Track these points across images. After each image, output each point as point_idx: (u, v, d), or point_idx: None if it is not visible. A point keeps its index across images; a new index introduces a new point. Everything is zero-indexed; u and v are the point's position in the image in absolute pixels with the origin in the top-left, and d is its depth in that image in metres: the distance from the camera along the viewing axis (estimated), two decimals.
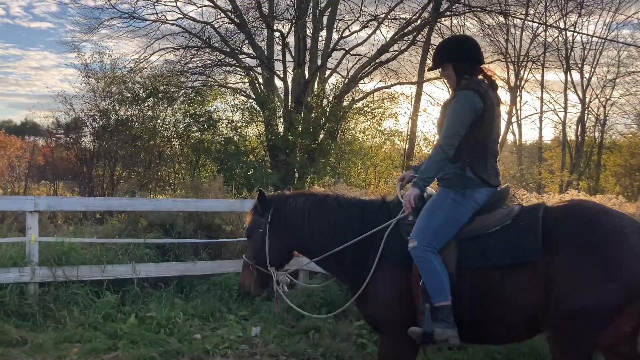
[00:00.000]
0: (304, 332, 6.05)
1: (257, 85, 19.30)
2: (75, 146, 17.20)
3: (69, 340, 5.57)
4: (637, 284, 3.14)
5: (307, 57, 19.15)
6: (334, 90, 19.13)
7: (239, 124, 19.18)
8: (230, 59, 19.77)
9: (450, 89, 4.41)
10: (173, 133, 18.84)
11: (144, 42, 19.92)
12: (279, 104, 18.59)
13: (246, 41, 19.55)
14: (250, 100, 19.48)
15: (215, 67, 19.85)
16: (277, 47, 19.66)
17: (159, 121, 18.53)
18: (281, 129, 18.66)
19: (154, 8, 19.03)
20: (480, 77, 3.76)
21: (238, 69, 19.87)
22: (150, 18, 19.61)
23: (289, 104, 18.88)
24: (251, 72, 19.43)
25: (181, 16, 19.74)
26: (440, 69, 3.93)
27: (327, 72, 20.27)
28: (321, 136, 18.70)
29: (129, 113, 18.13)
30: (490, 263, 3.41)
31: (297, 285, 5.83)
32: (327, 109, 18.65)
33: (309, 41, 19.15)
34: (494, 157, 3.70)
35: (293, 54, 19.33)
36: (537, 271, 3.29)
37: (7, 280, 6.16)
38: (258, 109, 18.90)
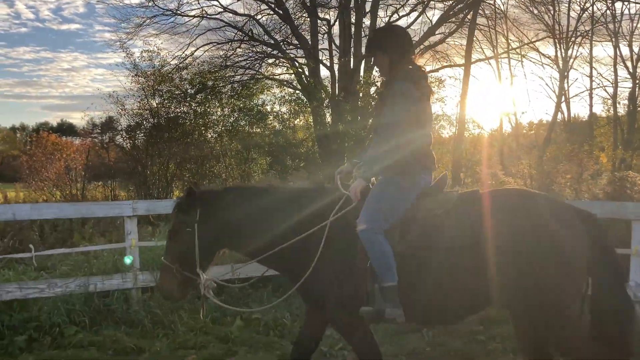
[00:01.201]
0: (413, 330, 5.88)
1: (303, 76, 19.13)
2: (129, 145, 17.29)
3: (183, 347, 5.50)
4: (578, 261, 3.44)
5: (352, 45, 18.93)
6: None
7: (286, 116, 19.04)
8: (274, 51, 19.62)
9: (380, 77, 4.59)
10: (222, 128, 18.78)
11: (186, 39, 19.73)
12: (325, 93, 18.39)
13: (290, 32, 19.39)
14: (297, 92, 19.33)
15: (260, 60, 19.73)
16: (321, 37, 19.47)
17: (209, 117, 18.46)
18: (329, 119, 18.48)
19: (198, 3, 18.91)
20: (410, 67, 3.85)
21: (283, 60, 19.73)
22: (191, 14, 19.58)
23: (336, 93, 18.69)
24: (296, 63, 19.26)
25: (222, 10, 19.64)
26: (373, 57, 4.01)
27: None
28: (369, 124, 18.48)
29: (178, 110, 18.13)
30: (434, 244, 3.57)
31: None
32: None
33: (353, 28, 18.91)
34: (429, 143, 3.89)
35: (337, 42, 19.13)
36: (476, 253, 3.46)
37: (111, 287, 6.12)
38: (305, 100, 18.72)
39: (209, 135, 18.45)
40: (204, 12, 19.53)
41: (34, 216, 6.50)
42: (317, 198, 3.89)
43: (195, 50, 19.63)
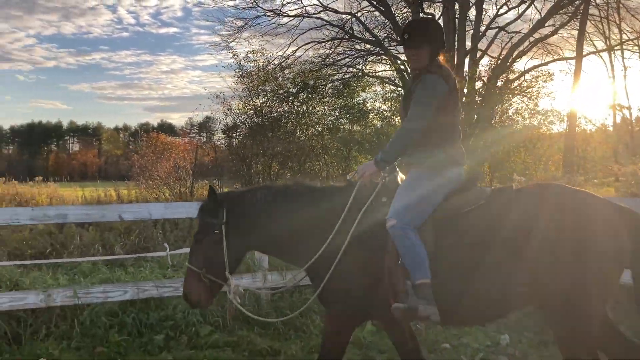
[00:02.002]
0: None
1: (405, 73, 18.81)
2: (234, 143, 17.58)
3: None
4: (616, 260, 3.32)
5: (456, 39, 18.41)
6: (487, 71, 18.21)
7: (387, 113, 18.77)
8: (376, 48, 19.40)
9: (411, 70, 4.46)
10: (323, 127, 18.75)
11: (287, 40, 19.91)
12: None
13: (392, 28, 19.11)
14: (399, 89, 19.02)
15: (361, 58, 19.58)
16: None
17: (310, 116, 18.49)
18: None
19: (301, 1, 18.98)
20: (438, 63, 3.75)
21: (384, 57, 19.48)
22: (292, 14, 19.69)
23: None
24: (398, 60, 18.95)
25: (323, 9, 19.61)
26: (412, 49, 3.78)
27: (478, 54, 19.38)
28: (474, 119, 17.90)
29: (280, 109, 18.26)
30: (467, 241, 3.46)
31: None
32: (482, 91, 17.80)
33: (456, 22, 18.40)
34: (460, 138, 3.78)
35: None
36: (514, 249, 3.34)
37: (243, 286, 6.05)
38: None
39: (311, 133, 18.49)
40: (304, 12, 19.60)
41: (167, 215, 6.58)
42: (347, 195, 3.72)
43: (296, 50, 19.77)
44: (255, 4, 19.23)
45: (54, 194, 16.28)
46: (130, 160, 19.92)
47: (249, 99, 17.46)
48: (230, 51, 18.51)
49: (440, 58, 3.77)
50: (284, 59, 19.33)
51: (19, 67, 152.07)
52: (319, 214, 3.74)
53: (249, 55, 17.73)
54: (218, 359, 5.19)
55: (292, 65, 19.20)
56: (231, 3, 39.50)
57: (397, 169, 3.80)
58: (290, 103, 18.13)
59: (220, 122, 18.66)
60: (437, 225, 3.55)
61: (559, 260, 3.28)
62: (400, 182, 3.72)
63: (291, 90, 18.22)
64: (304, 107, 18.36)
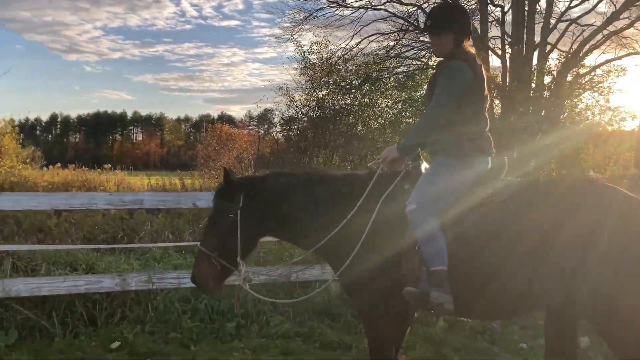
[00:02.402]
0: None
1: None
2: (294, 136, 17.65)
3: None
4: None
5: (525, 32, 17.88)
6: (557, 65, 17.61)
7: None
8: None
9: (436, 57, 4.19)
10: (385, 120, 18.59)
11: (350, 32, 19.74)
12: (494, 84, 17.52)
13: None
14: None
15: (425, 50, 19.27)
16: (489, 25, 18.59)
17: (373, 109, 18.35)
18: (498, 110, 17.64)
19: None
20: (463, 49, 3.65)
21: None
22: (355, 5, 19.52)
23: (507, 83, 17.80)
24: None
25: (387, 0, 19.36)
26: (434, 35, 3.71)
27: (547, 48, 18.77)
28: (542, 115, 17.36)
29: (342, 102, 18.19)
30: (490, 232, 3.35)
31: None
32: (552, 85, 17.25)
33: (525, 15, 17.85)
34: (487, 125, 3.67)
35: (507, 30, 18.19)
36: (541, 243, 3.23)
37: (311, 276, 6.02)
38: None
39: (373, 127, 18.35)
40: (368, 3, 19.40)
41: None
42: (368, 182, 3.63)
43: (359, 42, 19.58)
44: None
45: (121, 182, 16.69)
46: (194, 151, 20.27)
47: (312, 91, 17.44)
48: (294, 43, 18.45)
49: (467, 44, 3.67)
50: (347, 51, 19.19)
51: (87, 59, 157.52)
52: (338, 201, 3.67)
53: (313, 46, 17.66)
54: (289, 349, 5.16)
55: (355, 57, 19.03)
56: None
57: (422, 158, 3.71)
58: (352, 95, 18.03)
59: (282, 113, 18.70)
60: (460, 214, 3.44)
61: (591, 258, 3.11)
62: (423, 171, 3.64)
63: (354, 82, 18.11)
64: (367, 100, 18.22)
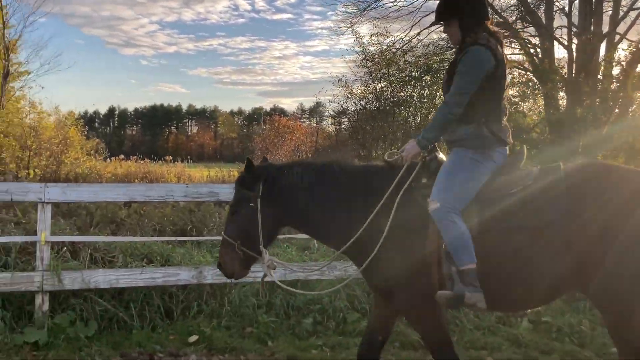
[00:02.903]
0: None
1: (534, 57, 17.82)
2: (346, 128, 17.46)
3: (473, 347, 5.10)
4: None
5: (592, 22, 17.19)
6: (626, 56, 16.87)
7: (515, 99, 17.90)
8: (504, 31, 18.50)
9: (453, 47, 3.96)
10: None
11: (409, 22, 19.36)
12: (559, 75, 16.91)
13: (523, 11, 18.14)
14: (528, 73, 18.06)
15: None
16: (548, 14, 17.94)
17: (433, 101, 18.02)
18: (564, 102, 17.04)
19: None
20: (484, 33, 3.50)
21: (513, 40, 18.54)
22: None
23: (573, 74, 17.15)
24: (529, 44, 17.98)
25: None
26: (443, 25, 3.65)
27: (616, 38, 18.00)
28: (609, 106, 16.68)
29: (400, 94, 17.91)
30: (514, 224, 3.28)
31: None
32: (620, 77, 16.54)
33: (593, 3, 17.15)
34: (505, 115, 3.58)
35: (573, 19, 17.52)
36: (565, 231, 3.16)
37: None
38: (537, 82, 17.42)
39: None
40: None
41: None
42: (387, 175, 3.56)
43: (419, 32, 19.21)
44: None
45: (181, 173, 16.89)
46: (250, 143, 20.34)
47: (370, 82, 17.22)
48: (354, 34, 18.22)
49: (491, 28, 3.56)
50: (406, 42, 18.86)
51: (143, 53, 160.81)
52: (357, 193, 3.59)
53: (373, 38, 17.42)
54: None
55: (414, 48, 18.69)
56: None
57: (438, 148, 3.63)
58: (411, 87, 17.73)
59: (341, 105, 18.52)
60: (482, 207, 3.35)
61: (619, 246, 3.04)
62: (441, 162, 3.55)
63: (413, 74, 17.79)
64: (426, 91, 17.89)
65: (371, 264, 3.45)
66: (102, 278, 5.30)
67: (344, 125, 18.90)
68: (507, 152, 3.57)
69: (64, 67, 63.82)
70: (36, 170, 13.54)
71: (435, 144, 3.61)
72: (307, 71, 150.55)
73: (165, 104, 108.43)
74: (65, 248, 5.84)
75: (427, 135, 3.48)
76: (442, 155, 3.61)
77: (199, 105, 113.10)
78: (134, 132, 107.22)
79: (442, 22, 3.63)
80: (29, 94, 22.41)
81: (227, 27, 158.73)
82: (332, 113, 19.30)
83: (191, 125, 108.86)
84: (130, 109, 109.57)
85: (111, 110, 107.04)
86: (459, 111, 3.40)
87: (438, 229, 3.30)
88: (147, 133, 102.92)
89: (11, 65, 21.52)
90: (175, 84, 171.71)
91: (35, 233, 5.39)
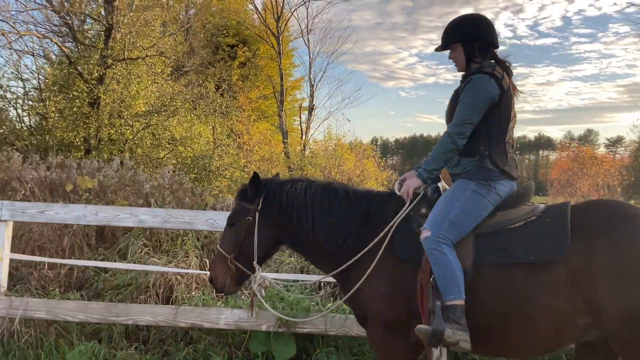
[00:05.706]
0: None
1: None
2: None
3: None
4: None
5: None
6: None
7: None
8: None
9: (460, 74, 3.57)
10: None
11: None
12: None
13: None
14: None
15: None
16: None
17: None
18: None
19: None
20: (492, 61, 3.40)
21: None
22: None
23: None
24: None
25: None
26: (449, 50, 3.52)
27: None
28: None
29: None
30: (513, 260, 3.10)
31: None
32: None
33: None
34: (512, 147, 3.45)
35: None
36: (569, 269, 3.00)
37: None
38: None
39: None
40: None
41: None
42: (385, 202, 3.51)
43: None
44: None
45: None
46: (544, 170, 19.16)
47: None
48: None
49: (497, 57, 3.42)
50: None
51: (402, 85, 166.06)
52: (354, 219, 3.48)
53: None
54: None
55: None
56: None
57: (440, 178, 3.49)
58: None
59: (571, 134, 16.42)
60: (478, 241, 3.20)
61: (628, 289, 2.85)
62: (442, 192, 3.42)
63: None
64: None
65: (357, 292, 3.38)
66: None
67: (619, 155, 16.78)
68: (514, 186, 3.40)
69: (361, 101, 65.20)
70: None
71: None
72: (573, 97, 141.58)
73: (425, 134, 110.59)
74: None
75: (429, 167, 3.36)
76: (444, 185, 3.51)
77: None
78: (394, 162, 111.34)
79: (447, 48, 3.51)
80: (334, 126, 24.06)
81: None
82: (607, 140, 17.32)
83: None
84: (391, 139, 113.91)
85: (374, 141, 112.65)
86: (462, 142, 3.29)
87: (428, 259, 3.17)
88: (407, 162, 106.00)
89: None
90: (431, 114, 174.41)
91: None
